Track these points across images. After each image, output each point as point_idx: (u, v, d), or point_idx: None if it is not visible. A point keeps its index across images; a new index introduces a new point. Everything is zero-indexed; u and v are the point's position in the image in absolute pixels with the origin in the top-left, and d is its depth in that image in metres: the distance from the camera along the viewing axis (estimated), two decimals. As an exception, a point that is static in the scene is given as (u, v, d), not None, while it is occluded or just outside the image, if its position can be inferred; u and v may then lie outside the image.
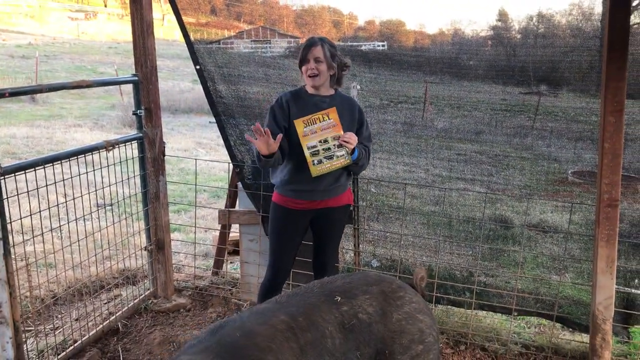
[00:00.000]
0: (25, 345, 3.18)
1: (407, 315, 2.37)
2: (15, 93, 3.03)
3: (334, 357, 2.24)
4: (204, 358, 1.96)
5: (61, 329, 3.73)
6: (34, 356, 3.42)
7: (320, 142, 3.07)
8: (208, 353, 1.99)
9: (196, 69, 4.05)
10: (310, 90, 3.22)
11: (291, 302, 2.34)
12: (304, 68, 3.15)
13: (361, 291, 2.39)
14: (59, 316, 4.00)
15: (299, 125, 3.05)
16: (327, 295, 2.36)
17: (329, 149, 3.08)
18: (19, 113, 16.43)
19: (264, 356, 2.04)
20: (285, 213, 3.30)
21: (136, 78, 3.88)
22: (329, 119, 3.07)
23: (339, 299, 2.34)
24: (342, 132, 3.09)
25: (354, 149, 3.11)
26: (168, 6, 3.88)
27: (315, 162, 3.07)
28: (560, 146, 4.51)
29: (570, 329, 4.06)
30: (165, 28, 42.77)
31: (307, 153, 3.06)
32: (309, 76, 3.13)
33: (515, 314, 3.91)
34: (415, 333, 2.36)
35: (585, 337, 3.71)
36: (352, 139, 3.08)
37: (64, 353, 3.47)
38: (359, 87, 4.43)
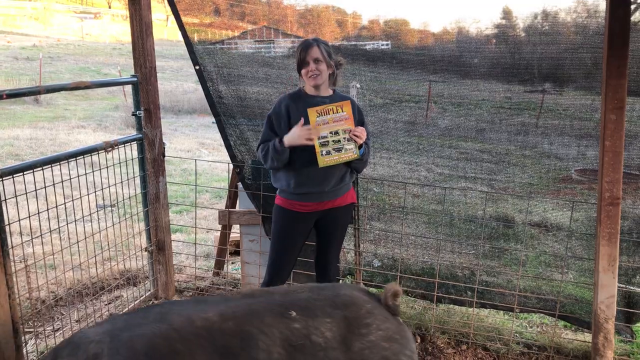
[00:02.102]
0: (25, 347, 3.18)
1: (372, 345, 2.22)
2: (13, 95, 3.02)
3: None
4: (94, 346, 1.89)
5: (62, 330, 3.73)
6: (34, 358, 3.42)
7: (331, 133, 3.06)
8: (103, 342, 1.91)
9: (195, 70, 4.04)
10: (309, 91, 3.21)
11: (238, 303, 2.22)
12: (303, 71, 3.14)
13: (323, 312, 2.23)
14: (60, 317, 4.00)
15: (312, 114, 3.03)
16: (282, 306, 2.21)
17: (339, 141, 3.07)
18: (23, 115, 16.48)
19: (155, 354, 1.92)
20: (290, 216, 3.29)
21: (135, 79, 3.87)
22: (342, 111, 3.06)
23: (294, 314, 2.18)
24: (353, 126, 3.09)
25: (361, 144, 3.11)
26: (171, 7, 3.89)
27: (324, 152, 3.05)
28: (564, 144, 4.48)
29: (572, 328, 4.04)
30: (169, 29, 42.90)
31: (316, 143, 3.04)
32: (311, 77, 3.12)
33: (517, 311, 3.89)
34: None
35: (588, 337, 3.69)
36: (363, 134, 3.09)
37: (64, 354, 3.46)
38: (358, 85, 4.41)
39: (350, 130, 3.07)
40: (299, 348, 2.14)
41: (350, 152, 3.09)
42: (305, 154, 3.08)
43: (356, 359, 2.19)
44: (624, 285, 3.61)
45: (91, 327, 2.12)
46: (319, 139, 3.04)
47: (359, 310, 2.27)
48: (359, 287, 2.52)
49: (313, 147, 3.04)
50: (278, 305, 2.23)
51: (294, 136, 3.02)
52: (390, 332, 2.27)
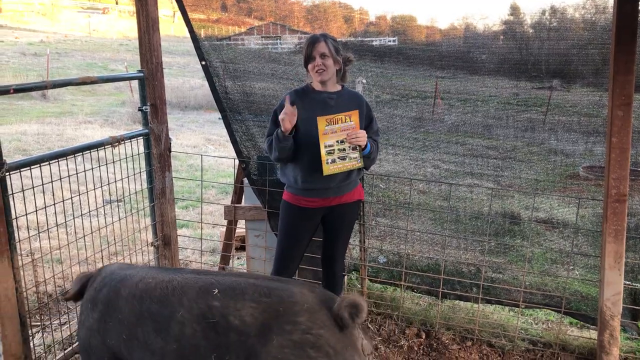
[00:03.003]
0: (32, 340, 3.20)
1: (293, 345, 2.07)
2: (20, 89, 3.04)
3: (179, 343, 2.19)
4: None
5: (68, 324, 3.75)
6: (41, 351, 3.44)
7: (337, 142, 3.07)
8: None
9: (202, 65, 4.05)
10: (317, 87, 3.21)
11: (183, 275, 2.36)
12: (310, 66, 3.14)
13: (251, 297, 2.18)
14: (66, 311, 4.02)
15: (322, 122, 3.04)
16: (211, 285, 2.25)
17: (344, 149, 3.09)
18: (30, 110, 16.53)
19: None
20: (297, 212, 3.29)
21: (141, 74, 3.88)
22: (350, 121, 3.07)
23: (217, 292, 2.21)
24: None
25: (366, 144, 3.11)
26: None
27: (329, 161, 3.07)
28: (572, 141, 4.47)
29: (578, 325, 4.03)
30: (176, 25, 42.89)
31: (323, 151, 3.05)
32: (317, 72, 3.12)
33: (523, 306, 3.88)
34: None
35: (594, 334, 3.68)
36: (360, 134, 3.08)
37: (71, 348, 3.49)
38: (364, 81, 4.41)
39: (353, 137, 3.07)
40: (212, 326, 2.15)
41: (354, 161, 3.12)
42: (312, 150, 3.08)
43: (273, 354, 2.08)
44: (630, 283, 3.59)
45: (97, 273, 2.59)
46: (325, 147, 3.05)
47: (293, 306, 2.14)
48: (321, 290, 2.34)
49: (319, 152, 3.05)
50: (209, 284, 2.25)
51: (287, 123, 3.02)
52: (322, 341, 2.09)
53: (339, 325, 2.13)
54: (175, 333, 2.20)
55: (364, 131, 3.12)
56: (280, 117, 3.02)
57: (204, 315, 2.18)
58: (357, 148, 3.10)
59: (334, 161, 3.08)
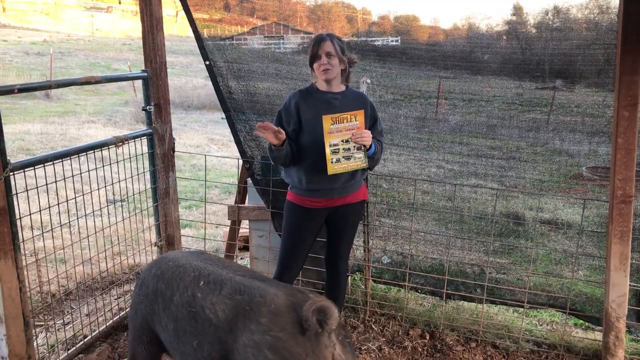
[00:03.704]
0: (35, 340, 3.20)
1: (255, 345, 2.08)
2: (24, 89, 3.03)
3: (175, 324, 2.36)
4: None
5: (71, 324, 3.75)
6: (45, 351, 3.44)
7: (342, 141, 3.06)
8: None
9: (206, 65, 4.04)
10: (321, 87, 3.20)
11: (197, 261, 2.54)
12: (315, 65, 3.13)
13: (226, 293, 2.24)
14: (70, 311, 4.02)
15: (327, 121, 3.03)
16: (201, 273, 2.41)
17: (349, 149, 3.07)
18: (34, 110, 16.55)
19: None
20: (301, 212, 3.28)
21: (145, 74, 3.88)
22: (355, 120, 3.06)
23: (202, 283, 2.33)
24: None
25: (371, 144, 3.10)
26: (180, 2, 3.89)
27: (334, 160, 3.06)
28: (575, 141, 4.45)
29: (583, 326, 4.01)
30: (179, 25, 42.94)
31: (328, 150, 3.04)
32: (323, 70, 3.10)
33: (527, 306, 3.87)
34: None
35: (599, 335, 3.66)
36: (365, 134, 3.06)
37: (74, 348, 3.48)
38: (369, 81, 4.39)
39: (358, 137, 3.05)
40: (193, 314, 2.28)
41: (359, 161, 3.10)
42: (316, 150, 3.07)
43: (240, 352, 2.11)
44: (635, 284, 3.58)
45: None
46: (330, 146, 3.04)
47: (260, 306, 2.14)
48: (302, 294, 2.26)
49: (324, 150, 3.04)
50: (201, 274, 2.40)
51: (272, 139, 2.99)
52: (280, 344, 2.05)
53: (304, 331, 2.06)
54: (174, 314, 2.38)
55: (369, 131, 3.11)
56: (264, 135, 3.01)
57: (189, 303, 2.32)
58: (362, 148, 3.09)
59: (338, 160, 3.07)
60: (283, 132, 3.01)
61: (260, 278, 2.44)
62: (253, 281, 2.31)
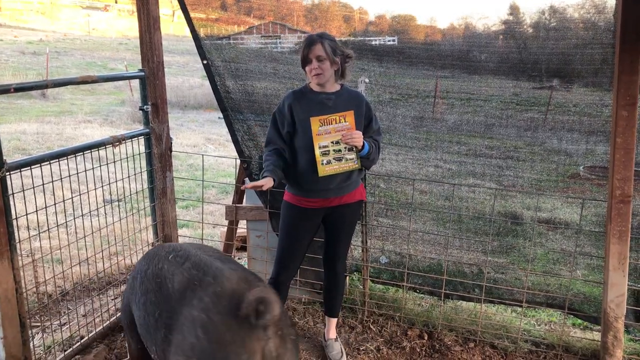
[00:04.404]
0: (32, 341, 3.18)
1: (192, 320, 2.08)
2: (20, 88, 3.01)
3: (145, 297, 2.46)
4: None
5: (68, 325, 3.73)
6: (41, 352, 3.42)
7: (332, 142, 3.05)
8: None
9: (203, 64, 4.03)
10: (315, 87, 3.18)
11: (185, 245, 2.64)
12: (307, 68, 3.11)
13: (187, 267, 2.34)
14: (67, 312, 4.00)
15: (315, 123, 3.02)
16: (174, 250, 2.52)
17: (340, 150, 3.06)
18: (30, 109, 16.50)
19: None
20: (298, 212, 3.27)
21: (142, 73, 3.86)
22: (344, 121, 3.04)
23: (171, 257, 2.45)
24: None
25: (364, 144, 3.08)
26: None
27: (324, 162, 3.04)
28: (573, 140, 4.45)
29: (581, 326, 4.01)
30: (175, 24, 42.85)
31: (317, 152, 3.03)
32: (314, 76, 3.09)
33: (526, 306, 3.87)
34: (187, 346, 2.06)
35: (597, 335, 3.66)
36: (356, 135, 3.04)
37: (71, 349, 3.46)
38: (367, 80, 4.38)
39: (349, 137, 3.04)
40: (158, 285, 2.40)
41: (350, 162, 3.09)
42: (310, 151, 3.06)
43: (180, 323, 2.15)
44: (633, 284, 3.58)
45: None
46: (320, 148, 3.03)
47: (209, 286, 2.16)
48: (256, 281, 2.26)
49: (314, 154, 3.03)
50: (173, 250, 2.53)
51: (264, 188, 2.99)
52: (212, 326, 2.03)
53: (239, 317, 2.01)
54: (145, 287, 2.49)
55: (360, 132, 3.09)
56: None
57: (157, 274, 2.44)
58: (354, 149, 3.07)
59: (329, 162, 3.06)
60: (265, 181, 2.95)
61: (225, 260, 2.44)
62: (215, 261, 2.34)
